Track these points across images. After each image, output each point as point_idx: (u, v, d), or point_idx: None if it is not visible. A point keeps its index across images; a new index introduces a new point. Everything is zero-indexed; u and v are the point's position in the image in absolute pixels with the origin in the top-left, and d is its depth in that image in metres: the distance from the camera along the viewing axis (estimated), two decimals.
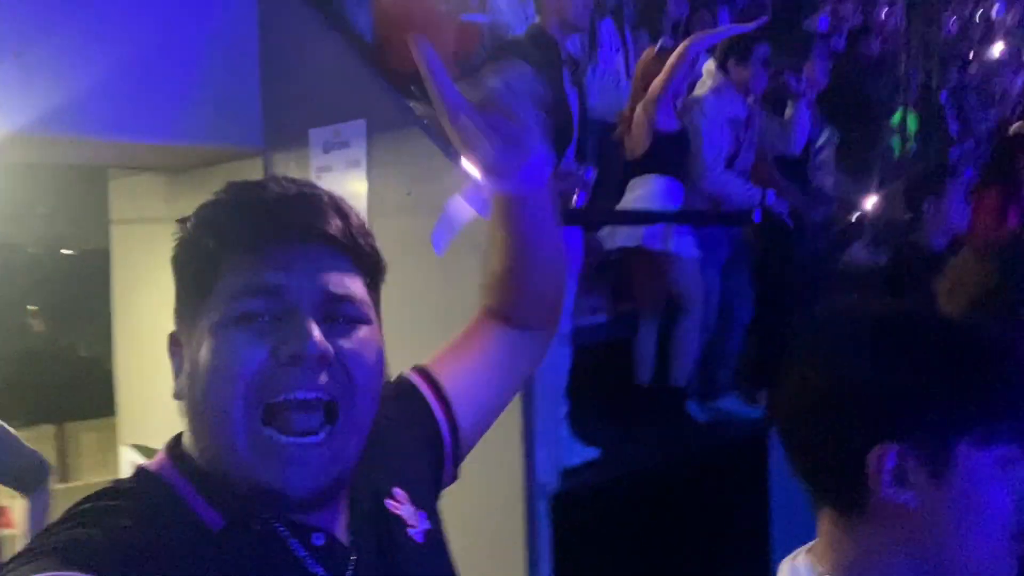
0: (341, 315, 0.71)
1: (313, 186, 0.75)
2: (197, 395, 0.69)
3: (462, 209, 0.83)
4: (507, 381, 0.98)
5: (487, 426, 0.96)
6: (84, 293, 5.25)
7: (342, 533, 0.74)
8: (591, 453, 2.59)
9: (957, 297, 1.26)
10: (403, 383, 0.91)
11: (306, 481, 0.67)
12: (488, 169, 0.81)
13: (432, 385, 0.91)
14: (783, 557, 0.90)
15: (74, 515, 0.68)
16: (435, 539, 0.82)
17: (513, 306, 0.96)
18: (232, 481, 0.68)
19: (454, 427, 0.90)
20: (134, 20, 2.89)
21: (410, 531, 0.79)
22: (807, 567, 0.83)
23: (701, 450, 2.95)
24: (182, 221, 0.75)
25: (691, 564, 2.66)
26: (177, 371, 0.73)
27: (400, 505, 0.80)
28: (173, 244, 0.75)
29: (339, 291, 0.70)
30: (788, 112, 3.41)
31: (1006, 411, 0.74)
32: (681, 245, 2.96)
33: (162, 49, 2.93)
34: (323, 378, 0.68)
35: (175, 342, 0.75)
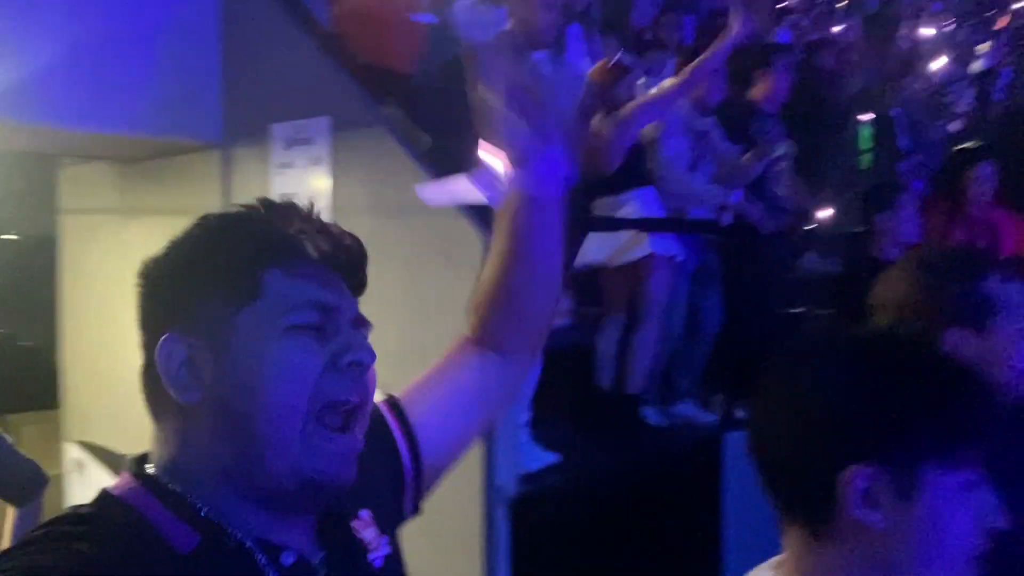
0: (361, 332, 0.78)
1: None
2: (244, 397, 0.70)
3: (468, 189, 0.86)
4: (480, 413, 0.98)
5: (456, 459, 0.96)
6: (27, 281, 5.07)
7: (310, 552, 0.75)
8: (550, 458, 2.60)
9: (882, 310, 1.30)
10: (373, 412, 0.90)
11: (348, 471, 0.73)
12: (513, 152, 0.86)
13: (399, 419, 0.91)
14: (735, 559, 0.92)
15: (32, 541, 0.66)
16: (392, 566, 0.83)
17: (498, 325, 0.96)
18: (270, 479, 0.71)
19: (417, 463, 0.91)
20: (89, 4, 2.80)
21: (370, 555, 0.80)
22: None
23: (658, 455, 2.98)
24: (206, 220, 0.76)
25: (646, 566, 2.69)
26: (185, 376, 0.71)
27: (364, 528, 0.81)
28: (190, 241, 0.74)
29: (361, 314, 0.78)
30: (747, 157, 3.42)
31: (972, 436, 0.77)
32: (662, 245, 2.99)
33: (118, 36, 2.85)
34: (364, 384, 0.75)
35: (175, 343, 0.71)
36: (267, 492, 0.71)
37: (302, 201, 0.77)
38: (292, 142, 2.77)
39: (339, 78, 2.69)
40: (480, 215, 2.38)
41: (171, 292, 0.74)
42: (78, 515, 0.69)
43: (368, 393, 0.75)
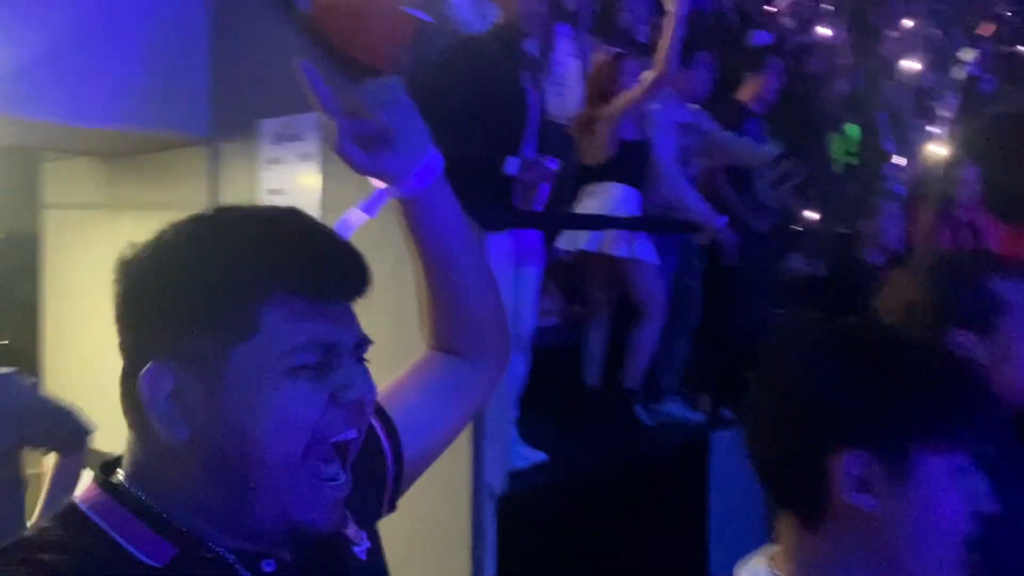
0: (361, 357, 0.74)
1: (334, 231, 0.74)
2: (239, 442, 0.66)
3: (353, 215, 0.86)
4: (455, 412, 0.98)
5: (433, 457, 0.96)
6: (9, 278, 5.01)
7: (290, 556, 0.73)
8: (539, 457, 2.60)
9: (890, 314, 1.30)
10: None
11: (335, 517, 0.72)
12: (365, 172, 0.85)
13: (380, 417, 0.90)
14: (721, 558, 0.93)
15: None
16: (376, 558, 0.83)
17: (445, 331, 0.96)
18: (257, 522, 0.69)
19: (399, 460, 0.90)
20: None
21: (355, 549, 0.80)
22: (766, 571, 0.85)
23: (644, 453, 2.99)
24: (199, 229, 0.70)
25: (633, 564, 2.70)
26: (172, 410, 0.67)
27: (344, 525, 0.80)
28: (183, 255, 0.68)
29: (363, 336, 0.74)
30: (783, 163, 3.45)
31: (962, 421, 0.78)
32: (644, 251, 3.00)
33: (103, 28, 2.82)
34: (363, 418, 0.73)
35: (161, 373, 0.66)
36: (250, 532, 0.69)
37: (307, 209, 0.73)
38: (281, 138, 2.76)
39: (329, 74, 2.68)
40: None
41: (158, 316, 0.68)
42: (41, 542, 0.66)
43: (365, 424, 0.73)
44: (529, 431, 2.64)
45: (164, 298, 0.68)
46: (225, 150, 3.05)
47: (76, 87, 2.76)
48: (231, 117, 3.00)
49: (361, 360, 0.73)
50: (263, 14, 2.85)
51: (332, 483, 0.70)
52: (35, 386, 2.00)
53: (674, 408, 3.22)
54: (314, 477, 0.69)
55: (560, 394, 3.04)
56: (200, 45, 3.02)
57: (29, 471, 2.02)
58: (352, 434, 0.71)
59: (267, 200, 2.79)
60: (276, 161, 2.78)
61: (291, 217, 0.72)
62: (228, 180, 3.03)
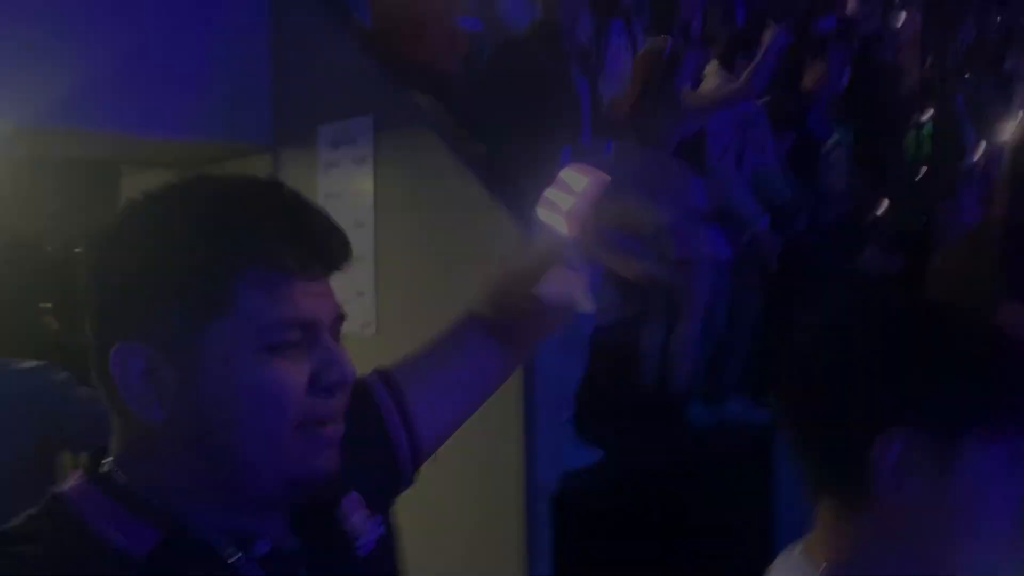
0: (338, 332, 0.71)
1: (312, 202, 0.72)
2: (219, 424, 0.65)
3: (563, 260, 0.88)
4: (474, 395, 0.96)
5: (448, 435, 0.94)
6: None
7: (287, 539, 0.71)
8: (594, 456, 2.56)
9: (941, 279, 1.26)
10: (363, 385, 0.87)
11: (333, 461, 0.69)
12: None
13: (392, 390, 0.88)
14: None
15: None
16: (384, 547, 0.79)
17: (516, 321, 0.93)
18: (252, 488, 0.67)
19: (412, 435, 0.87)
20: (145, 13, 2.89)
21: (358, 541, 0.76)
22: (805, 560, 0.81)
23: (705, 453, 2.92)
24: (169, 201, 0.67)
25: (693, 567, 2.63)
26: (144, 389, 0.64)
27: (352, 511, 0.77)
28: (150, 228, 0.66)
29: (340, 312, 0.71)
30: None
31: (1017, 405, 0.71)
32: (723, 245, 2.95)
33: (172, 43, 2.93)
34: (345, 396, 0.71)
35: (131, 353, 0.64)
36: (247, 499, 0.67)
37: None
38: (338, 143, 2.82)
39: (382, 78, 2.73)
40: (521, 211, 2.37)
41: (127, 294, 0.65)
42: (17, 535, 0.64)
43: (346, 403, 0.71)
44: (584, 430, 2.61)
45: (133, 274, 0.65)
46: (287, 157, 3.13)
47: (150, 100, 2.88)
48: (292, 125, 3.08)
49: (338, 337, 0.70)
50: (319, 24, 2.92)
51: (323, 432, 0.68)
52: (68, 382, 1.70)
53: (736, 407, 3.14)
54: (303, 434, 0.67)
55: (616, 393, 2.99)
56: (263, 56, 3.12)
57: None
58: (335, 413, 0.69)
59: (326, 204, 2.85)
60: (334, 165, 2.84)
61: (270, 189, 0.70)
62: (290, 186, 3.11)
